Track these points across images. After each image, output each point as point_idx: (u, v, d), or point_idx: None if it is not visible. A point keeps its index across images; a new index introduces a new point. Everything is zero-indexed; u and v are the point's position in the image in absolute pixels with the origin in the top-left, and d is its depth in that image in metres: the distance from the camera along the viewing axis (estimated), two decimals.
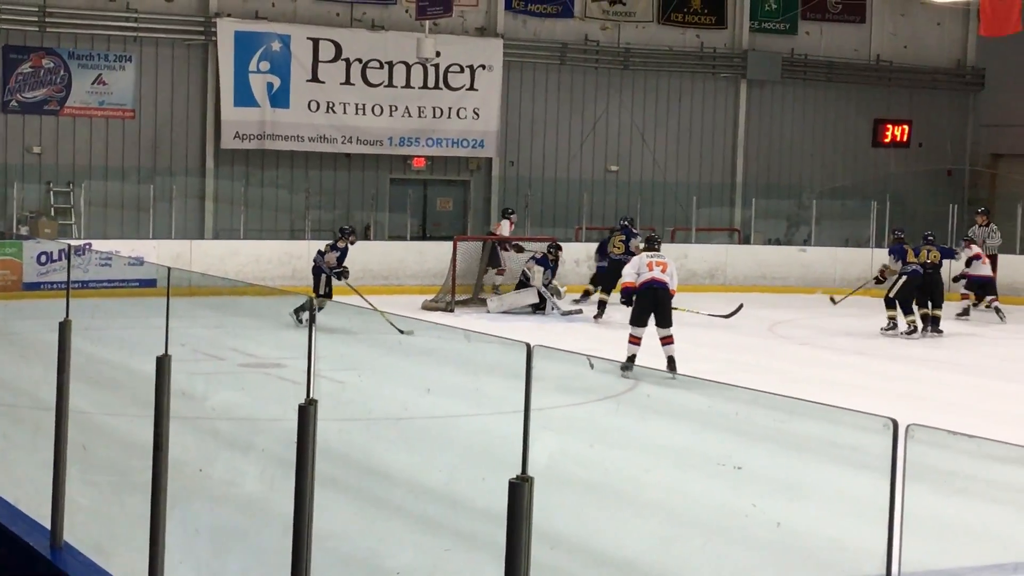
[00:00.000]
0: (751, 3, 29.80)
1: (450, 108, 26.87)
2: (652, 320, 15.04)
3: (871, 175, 30.28)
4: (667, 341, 15.04)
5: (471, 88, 27.00)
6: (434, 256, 23.55)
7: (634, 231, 22.10)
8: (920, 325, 19.79)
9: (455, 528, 8.41)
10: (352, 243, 19.61)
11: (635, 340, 15.05)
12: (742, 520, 7.93)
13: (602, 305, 20.72)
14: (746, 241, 28.01)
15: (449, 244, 22.66)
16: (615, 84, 28.81)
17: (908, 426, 4.50)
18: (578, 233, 26.37)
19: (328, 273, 18.99)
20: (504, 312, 20.95)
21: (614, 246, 21.73)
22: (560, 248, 22.23)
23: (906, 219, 28.19)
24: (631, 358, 14.62)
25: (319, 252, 19.28)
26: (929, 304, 20.11)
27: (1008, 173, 31.36)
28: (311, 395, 5.41)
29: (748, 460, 7.94)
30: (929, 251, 20.66)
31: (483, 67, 27.05)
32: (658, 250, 15.93)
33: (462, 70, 26.93)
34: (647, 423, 8.63)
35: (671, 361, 14.83)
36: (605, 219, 27.17)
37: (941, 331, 20.05)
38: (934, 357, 18.28)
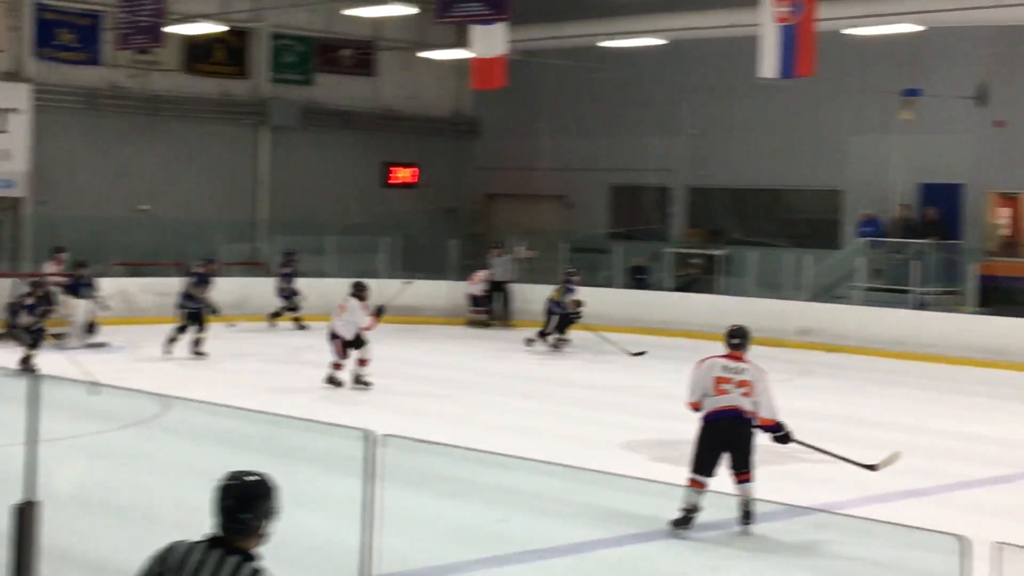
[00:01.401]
0: (271, 56, 31.13)
1: None
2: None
3: (382, 213, 31.86)
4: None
5: (1, 131, 26.92)
6: None
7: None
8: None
9: None
10: None
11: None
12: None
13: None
14: (267, 274, 29.12)
15: None
16: (144, 128, 29.02)
17: (380, 436, 5.43)
18: (109, 270, 26.69)
19: None
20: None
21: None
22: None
23: (415, 252, 30.20)
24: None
25: None
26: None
27: (500, 210, 34.10)
28: None
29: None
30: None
31: (12, 110, 26.99)
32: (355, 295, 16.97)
33: None
34: (154, 445, 9.16)
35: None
36: (136, 255, 27.63)
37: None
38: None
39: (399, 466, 5.06)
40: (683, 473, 12.18)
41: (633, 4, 27.02)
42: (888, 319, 23.97)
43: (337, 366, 17.59)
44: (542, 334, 23.25)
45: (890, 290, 25.24)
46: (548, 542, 7.22)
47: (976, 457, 13.78)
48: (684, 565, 7.02)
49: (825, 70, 24.20)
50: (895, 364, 22.53)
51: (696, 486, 9.79)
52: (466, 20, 24.14)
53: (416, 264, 29.66)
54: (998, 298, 24.70)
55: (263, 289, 27.25)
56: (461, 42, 29.23)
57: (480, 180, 34.13)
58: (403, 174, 32.97)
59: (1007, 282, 24.92)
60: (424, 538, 7.55)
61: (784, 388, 19.35)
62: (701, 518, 9.14)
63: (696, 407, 10.16)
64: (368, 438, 4.88)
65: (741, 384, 9.96)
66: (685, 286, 28.23)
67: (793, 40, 20.19)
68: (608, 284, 28.85)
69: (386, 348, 22.78)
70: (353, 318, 17.52)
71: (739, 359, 10.15)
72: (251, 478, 4.51)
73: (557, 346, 23.12)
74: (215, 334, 21.31)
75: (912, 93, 25.50)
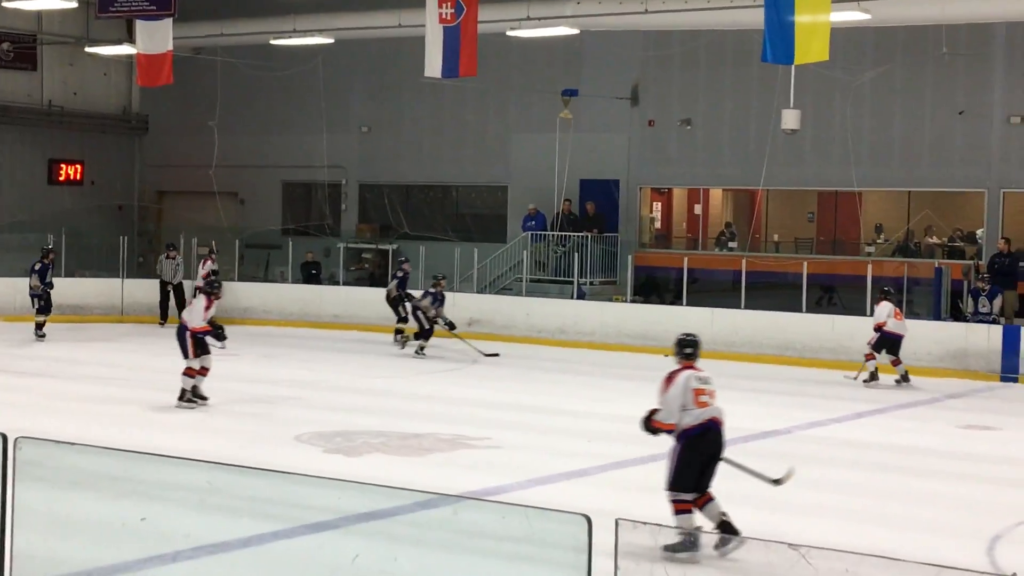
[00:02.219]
0: None
1: None
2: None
3: (48, 210, 30.52)
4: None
5: None
6: None
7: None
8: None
9: None
10: None
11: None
12: None
13: None
14: None
15: None
16: None
17: (16, 438, 5.20)
18: None
19: None
20: None
21: None
22: None
23: (82, 250, 29.10)
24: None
25: None
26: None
27: (171, 207, 33.24)
28: None
29: None
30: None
31: None
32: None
33: None
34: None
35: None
36: None
37: None
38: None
39: (39, 466, 4.82)
40: (355, 465, 12.20)
41: (301, 3, 26.79)
42: (551, 309, 24.63)
43: None
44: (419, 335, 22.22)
45: (554, 281, 25.96)
46: (198, 540, 7.13)
47: (632, 438, 14.29)
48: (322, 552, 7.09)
49: (490, 70, 24.75)
50: (558, 352, 23.17)
51: (687, 507, 9.22)
52: (130, 15, 23.47)
53: (85, 262, 28.64)
54: (651, 287, 25.82)
55: None
56: (128, 38, 28.39)
57: (151, 177, 33.20)
58: (70, 171, 31.63)
59: (659, 272, 26.05)
60: (65, 539, 7.42)
61: (454, 377, 19.68)
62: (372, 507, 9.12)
63: (671, 428, 9.42)
64: (3, 441, 4.64)
65: (713, 394, 9.47)
66: (360, 280, 28.30)
67: (456, 41, 20.47)
68: (282, 280, 28.63)
69: (53, 348, 21.91)
70: None
71: (699, 368, 9.59)
72: None
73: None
74: None
75: (571, 93, 26.29)
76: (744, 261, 23.81)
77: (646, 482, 10.83)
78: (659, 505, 9.42)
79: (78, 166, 31.80)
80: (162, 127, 32.86)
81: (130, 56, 28.95)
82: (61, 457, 5.12)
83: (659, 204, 28.33)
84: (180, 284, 26.32)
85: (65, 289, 26.53)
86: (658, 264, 26.31)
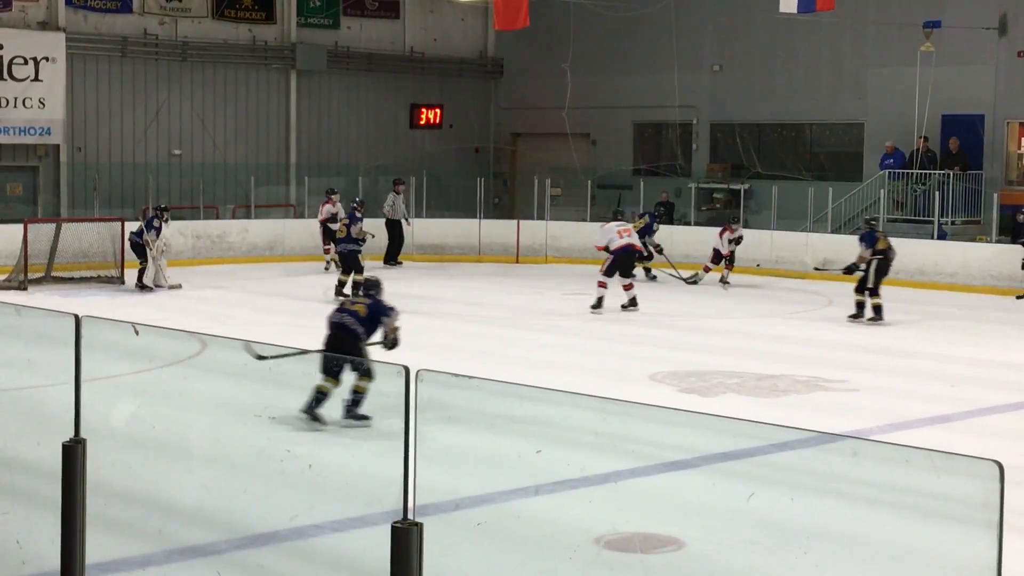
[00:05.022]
0: (298, 1, 31.00)
1: (16, 98, 26.60)
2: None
3: (409, 154, 31.69)
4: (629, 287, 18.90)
5: (36, 79, 26.76)
6: (5, 238, 23.12)
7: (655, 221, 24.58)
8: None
9: (12, 491, 8.26)
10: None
11: (603, 285, 18.85)
12: (278, 464, 8.24)
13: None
14: (301, 216, 29.16)
15: (19, 227, 22.22)
16: (175, 75, 29.06)
17: (418, 371, 5.47)
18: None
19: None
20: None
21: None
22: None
23: (441, 192, 30.22)
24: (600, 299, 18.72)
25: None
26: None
27: (525, 149, 33.97)
28: None
29: (282, 411, 8.71)
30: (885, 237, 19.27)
31: (47, 59, 26.87)
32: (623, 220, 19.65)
33: (26, 62, 26.68)
34: (195, 383, 9.25)
35: (633, 300, 19.00)
36: (170, 199, 27.72)
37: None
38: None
39: (434, 401, 5.04)
40: (710, 405, 12.22)
41: None
42: (910, 250, 23.79)
43: None
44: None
45: (912, 221, 25.07)
46: (581, 472, 7.28)
47: (998, 384, 13.71)
48: (718, 494, 7.06)
49: (846, 3, 23.99)
50: (917, 294, 22.39)
51: None
52: None
53: (443, 203, 29.69)
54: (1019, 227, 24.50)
55: (296, 229, 27.36)
56: None
57: (505, 119, 33.99)
58: (429, 115, 32.78)
59: None
60: (461, 470, 7.73)
61: (807, 317, 19.32)
62: (736, 447, 9.14)
63: None
64: (405, 373, 4.90)
65: None
66: (712, 221, 28.11)
67: None
68: (634, 219, 28.76)
69: (413, 286, 22.88)
70: None
71: None
72: None
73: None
74: (248, 275, 21.31)
75: (933, 24, 25.17)
76: None
77: (1015, 429, 10.38)
78: None
79: (437, 110, 32.88)
80: (516, 70, 33.55)
81: (486, 1, 29.69)
82: (452, 391, 5.35)
83: None
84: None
85: (426, 228, 27.68)
86: None
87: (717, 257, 23.20)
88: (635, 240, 19.65)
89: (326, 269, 24.55)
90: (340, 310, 11.25)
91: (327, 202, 25.30)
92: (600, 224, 20.52)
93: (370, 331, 11.10)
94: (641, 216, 24.50)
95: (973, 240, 23.97)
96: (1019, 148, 26.48)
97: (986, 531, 3.72)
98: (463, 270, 26.05)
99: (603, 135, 31.90)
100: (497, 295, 21.89)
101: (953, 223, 24.65)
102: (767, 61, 29.17)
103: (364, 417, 9.88)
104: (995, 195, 24.14)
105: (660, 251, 23.87)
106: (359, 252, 20.38)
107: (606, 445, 6.79)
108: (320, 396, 9.86)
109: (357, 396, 9.95)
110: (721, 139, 30.30)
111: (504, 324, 17.52)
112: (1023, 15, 25.40)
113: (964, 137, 25.63)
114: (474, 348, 15.85)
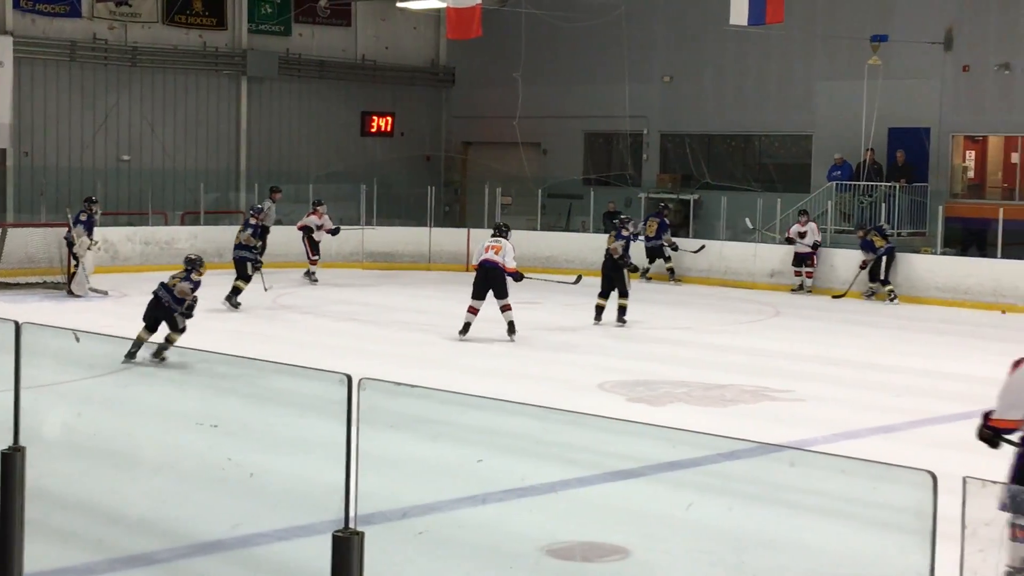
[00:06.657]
0: (248, 7, 30.70)
1: None
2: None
3: (360, 161, 31.65)
4: (506, 309, 17.10)
5: None
6: None
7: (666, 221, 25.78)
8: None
9: None
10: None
11: (473, 310, 17.08)
12: (219, 472, 8.26)
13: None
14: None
15: None
16: (124, 80, 28.80)
17: (361, 379, 5.48)
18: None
19: None
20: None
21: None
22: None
23: (392, 200, 30.14)
24: (467, 325, 17.03)
25: None
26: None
27: (476, 158, 33.96)
28: None
29: (223, 417, 8.73)
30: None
31: None
32: (500, 236, 17.48)
33: None
34: (138, 390, 9.25)
35: (511, 325, 17.05)
36: (119, 204, 27.55)
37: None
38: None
39: (378, 409, 5.06)
40: (658, 414, 12.27)
41: None
42: (855, 262, 23.99)
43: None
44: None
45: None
46: (524, 481, 7.29)
47: (943, 394, 13.86)
48: (659, 502, 7.11)
49: (795, 17, 24.21)
50: (863, 305, 22.58)
51: None
52: None
53: (394, 211, 29.66)
54: (969, 238, 24.82)
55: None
56: None
57: (457, 128, 34.01)
58: (380, 123, 32.74)
59: (972, 223, 25.01)
60: (405, 479, 7.71)
61: (754, 328, 19.47)
62: (676, 456, 9.17)
63: (1013, 427, 6.73)
64: (347, 381, 4.90)
65: None
66: None
67: None
68: (584, 229, 28.90)
69: (363, 294, 22.84)
70: None
71: None
72: None
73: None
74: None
75: (880, 38, 25.42)
76: None
77: (959, 439, 10.46)
78: (974, 464, 9.09)
79: (388, 118, 32.84)
80: (468, 79, 33.57)
81: (439, 10, 29.68)
82: (396, 400, 5.37)
83: (972, 153, 27.14)
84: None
85: (376, 237, 27.64)
86: (970, 215, 25.24)
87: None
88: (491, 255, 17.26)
89: (309, 276, 24.45)
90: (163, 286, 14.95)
91: (312, 213, 24.97)
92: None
93: (179, 302, 14.68)
94: (648, 220, 25.80)
95: (918, 251, 24.20)
96: (964, 161, 26.79)
97: (920, 540, 3.77)
98: (413, 278, 26.02)
99: (554, 144, 31.99)
100: (447, 303, 21.82)
101: (899, 234, 24.88)
102: (717, 73, 29.36)
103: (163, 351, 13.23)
104: (940, 207, 24.40)
105: (675, 248, 25.27)
106: (250, 259, 20.39)
107: (551, 454, 6.82)
108: (139, 343, 13.27)
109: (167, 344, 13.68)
110: (671, 149, 30.44)
111: (454, 333, 17.47)
112: (968, 30, 25.70)
113: (910, 150, 25.90)
114: (423, 356, 15.84)
